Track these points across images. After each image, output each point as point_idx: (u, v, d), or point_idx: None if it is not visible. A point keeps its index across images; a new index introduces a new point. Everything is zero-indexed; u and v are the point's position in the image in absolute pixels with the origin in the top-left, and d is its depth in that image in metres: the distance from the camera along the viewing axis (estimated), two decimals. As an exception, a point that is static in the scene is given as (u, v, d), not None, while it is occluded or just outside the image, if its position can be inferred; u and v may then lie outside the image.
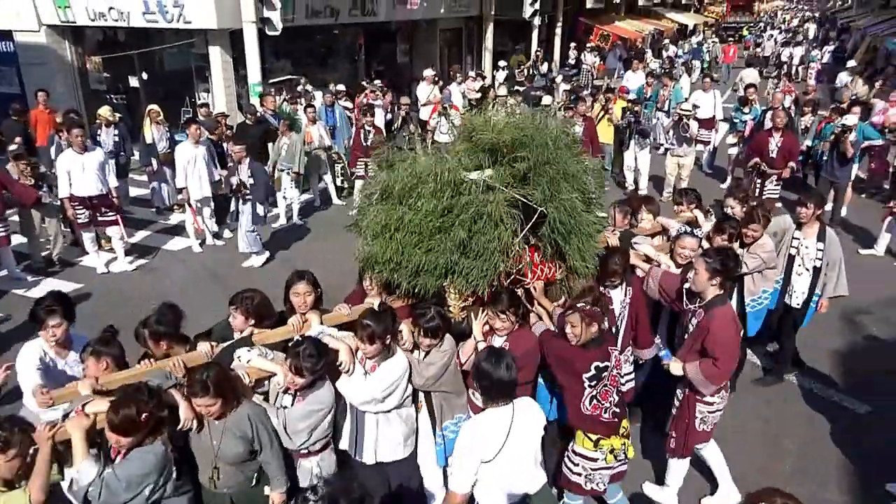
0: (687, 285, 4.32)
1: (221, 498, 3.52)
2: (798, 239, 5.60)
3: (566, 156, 4.00)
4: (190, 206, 9.12)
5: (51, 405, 3.48)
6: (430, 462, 4.06)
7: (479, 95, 15.48)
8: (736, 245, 5.10)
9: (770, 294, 5.48)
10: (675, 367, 4.20)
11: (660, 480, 4.71)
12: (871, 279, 7.89)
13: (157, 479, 3.15)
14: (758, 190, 9.04)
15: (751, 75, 16.84)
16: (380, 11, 16.96)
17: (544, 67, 20.49)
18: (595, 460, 3.80)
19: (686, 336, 4.29)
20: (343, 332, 3.91)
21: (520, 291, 4.14)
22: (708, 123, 12.40)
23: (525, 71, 19.99)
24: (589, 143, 10.12)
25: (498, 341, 3.96)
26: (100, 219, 8.30)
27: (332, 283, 4.18)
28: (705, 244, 5.01)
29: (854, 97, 13.81)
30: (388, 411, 3.76)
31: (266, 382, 3.80)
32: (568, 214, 3.83)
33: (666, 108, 12.65)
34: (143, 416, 3.04)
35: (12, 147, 8.27)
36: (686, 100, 12.38)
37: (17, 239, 8.63)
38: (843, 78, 17.57)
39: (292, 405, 3.58)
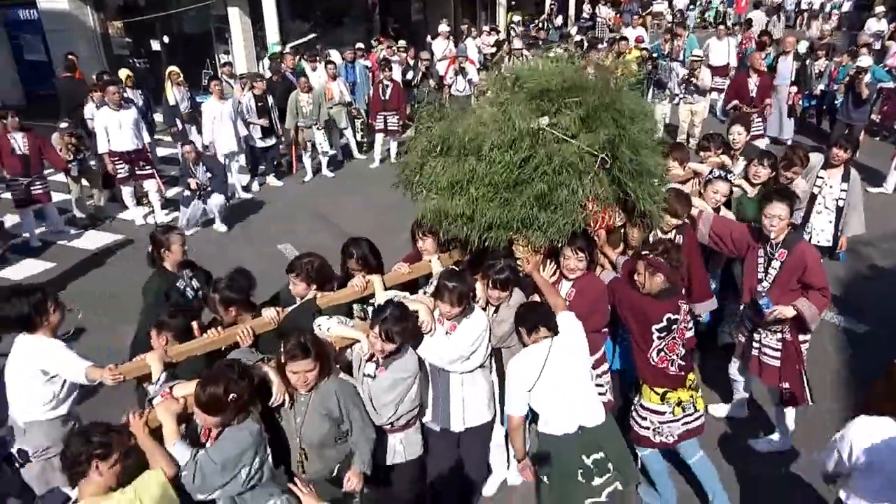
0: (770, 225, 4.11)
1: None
2: (822, 178, 5.72)
3: (629, 96, 3.87)
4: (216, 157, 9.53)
5: (122, 381, 3.37)
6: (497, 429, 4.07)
7: (494, 49, 15.64)
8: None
9: None
10: (788, 311, 4.04)
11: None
12: (877, 215, 8.14)
13: (252, 459, 2.92)
14: None
15: (758, 17, 16.91)
16: (394, -31, 17.04)
17: (558, 21, 20.43)
18: (662, 413, 3.82)
19: (760, 280, 4.23)
20: (417, 295, 3.87)
21: None
22: (722, 71, 12.48)
23: (539, 25, 19.99)
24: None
25: (565, 287, 3.95)
26: (138, 173, 8.76)
27: (365, 235, 4.30)
28: (745, 185, 5.18)
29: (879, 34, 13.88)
30: (473, 371, 3.71)
31: (349, 352, 3.63)
32: (636, 153, 3.68)
33: (681, 59, 12.73)
34: (231, 395, 2.82)
35: (63, 125, 8.69)
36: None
37: (60, 196, 9.14)
38: (871, 25, 17.31)
39: (375, 376, 3.42)
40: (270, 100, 10.05)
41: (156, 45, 15.58)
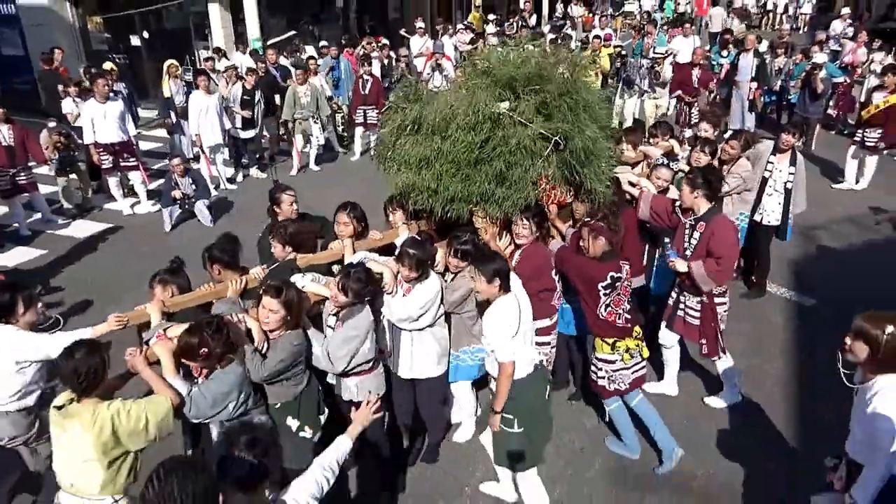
0: (678, 204, 4.78)
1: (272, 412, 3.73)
2: (772, 163, 6.22)
3: (584, 87, 4.33)
4: (203, 152, 9.80)
5: (126, 326, 3.76)
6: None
7: (470, 47, 16.03)
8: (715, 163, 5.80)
9: (745, 217, 6.16)
10: (681, 265, 4.59)
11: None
12: (831, 202, 8.78)
13: (238, 397, 3.38)
14: (687, 117, 10.48)
15: (717, 14, 17.82)
16: (372, -33, 17.37)
17: (532, 20, 20.92)
18: (613, 362, 4.31)
19: (685, 249, 4.67)
20: (385, 258, 4.24)
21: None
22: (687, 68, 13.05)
23: (514, 25, 20.40)
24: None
25: (516, 255, 4.40)
26: (122, 164, 9.01)
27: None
28: (685, 167, 5.63)
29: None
30: (422, 329, 4.10)
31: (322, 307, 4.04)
32: (588, 142, 4.16)
33: (650, 56, 13.26)
34: (203, 349, 3.22)
35: (52, 123, 8.97)
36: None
37: (49, 188, 9.37)
38: (836, 26, 18.01)
39: (334, 329, 3.82)
40: (257, 94, 10.33)
41: (135, 41, 15.69)
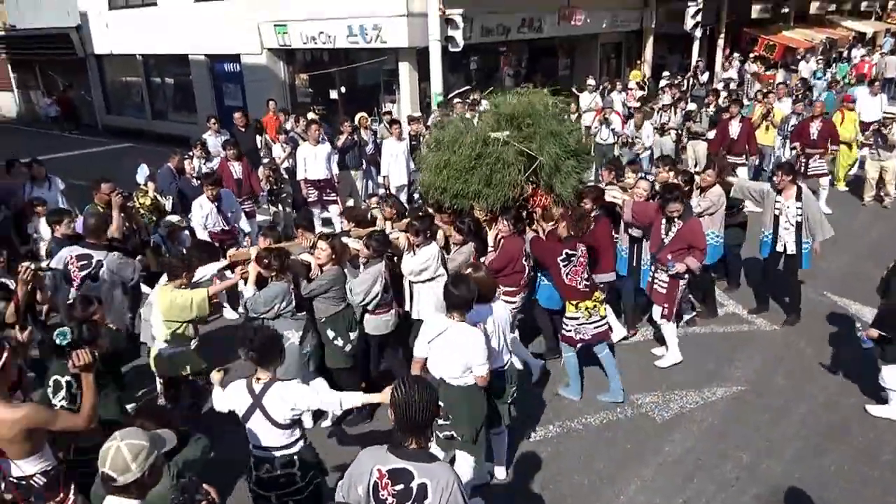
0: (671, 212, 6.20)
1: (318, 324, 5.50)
2: (780, 202, 6.87)
3: (553, 120, 6.14)
4: (388, 191, 10.99)
5: (235, 258, 5.89)
6: None
7: (638, 105, 16.37)
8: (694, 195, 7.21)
9: (715, 235, 7.12)
10: (681, 266, 6.05)
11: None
12: None
13: (281, 303, 5.04)
14: (803, 167, 10.43)
15: (892, 62, 16.88)
16: (545, 28, 18.40)
17: (704, 77, 20.81)
18: (577, 318, 5.67)
19: (665, 243, 6.18)
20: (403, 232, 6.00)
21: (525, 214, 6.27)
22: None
23: (685, 82, 20.42)
24: (745, 142, 10.85)
25: (499, 245, 5.94)
26: (324, 198, 10.38)
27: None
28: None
29: None
30: (424, 282, 5.60)
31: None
32: (553, 159, 5.91)
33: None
34: (265, 261, 5.06)
35: (266, 160, 10.77)
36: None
37: (261, 217, 10.98)
38: None
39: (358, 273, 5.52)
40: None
41: (333, 94, 17.79)
